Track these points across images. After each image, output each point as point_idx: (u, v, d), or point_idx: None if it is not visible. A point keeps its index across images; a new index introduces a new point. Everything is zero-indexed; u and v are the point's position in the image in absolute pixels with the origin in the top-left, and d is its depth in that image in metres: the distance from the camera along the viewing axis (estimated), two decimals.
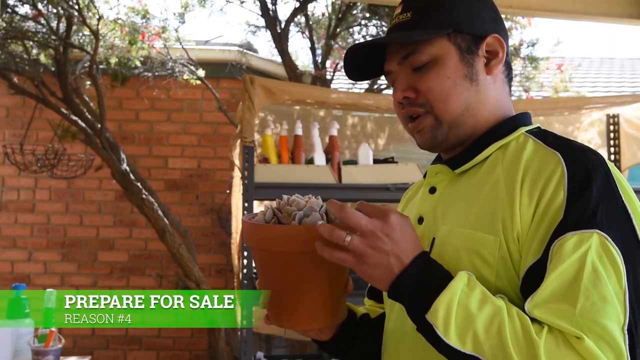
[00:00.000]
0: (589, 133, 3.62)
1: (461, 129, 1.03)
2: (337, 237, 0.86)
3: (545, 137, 0.99)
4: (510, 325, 0.83)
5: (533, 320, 0.84)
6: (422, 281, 0.87)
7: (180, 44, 4.68)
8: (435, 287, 0.86)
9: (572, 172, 0.89)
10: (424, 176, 1.13)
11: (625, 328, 0.83)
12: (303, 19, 4.98)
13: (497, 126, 1.04)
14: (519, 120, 1.05)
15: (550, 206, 0.88)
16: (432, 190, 1.08)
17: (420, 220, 1.06)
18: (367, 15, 4.80)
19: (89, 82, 4.44)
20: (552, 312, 0.83)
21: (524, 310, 0.86)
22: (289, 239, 0.91)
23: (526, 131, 1.03)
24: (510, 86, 1.11)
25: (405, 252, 0.88)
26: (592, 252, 0.84)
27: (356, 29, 5.08)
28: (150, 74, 4.62)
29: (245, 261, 2.72)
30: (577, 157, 0.92)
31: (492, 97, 1.05)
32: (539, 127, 1.05)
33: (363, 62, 1.10)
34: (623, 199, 0.90)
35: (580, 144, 0.96)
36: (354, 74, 1.12)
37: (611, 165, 0.93)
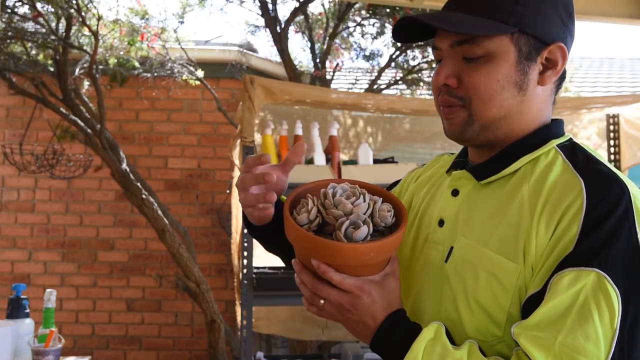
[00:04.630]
0: (589, 133, 3.62)
1: (493, 133, 0.98)
2: (315, 301, 0.96)
3: (574, 156, 0.95)
4: None
5: (504, 357, 0.89)
6: (391, 342, 0.93)
7: (179, 44, 4.67)
8: (401, 348, 0.91)
9: (590, 206, 0.87)
10: (448, 171, 1.10)
11: None
12: (303, 19, 4.98)
13: (528, 136, 0.99)
14: (552, 130, 1.00)
15: (561, 240, 0.87)
16: (455, 192, 1.04)
17: (441, 223, 1.04)
18: (364, 14, 4.80)
19: (88, 83, 4.44)
20: (532, 339, 0.84)
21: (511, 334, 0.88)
22: (333, 254, 0.91)
23: (558, 144, 0.98)
24: (556, 94, 1.04)
25: (373, 317, 0.94)
26: (586, 289, 0.84)
27: (355, 28, 5.08)
28: (149, 75, 4.62)
29: (245, 261, 2.72)
30: (599, 188, 0.88)
31: (535, 107, 0.99)
32: (570, 140, 1.00)
33: (412, 24, 1.01)
34: (639, 238, 0.86)
35: (607, 171, 0.92)
36: (400, 34, 1.03)
37: (635, 199, 0.89)
